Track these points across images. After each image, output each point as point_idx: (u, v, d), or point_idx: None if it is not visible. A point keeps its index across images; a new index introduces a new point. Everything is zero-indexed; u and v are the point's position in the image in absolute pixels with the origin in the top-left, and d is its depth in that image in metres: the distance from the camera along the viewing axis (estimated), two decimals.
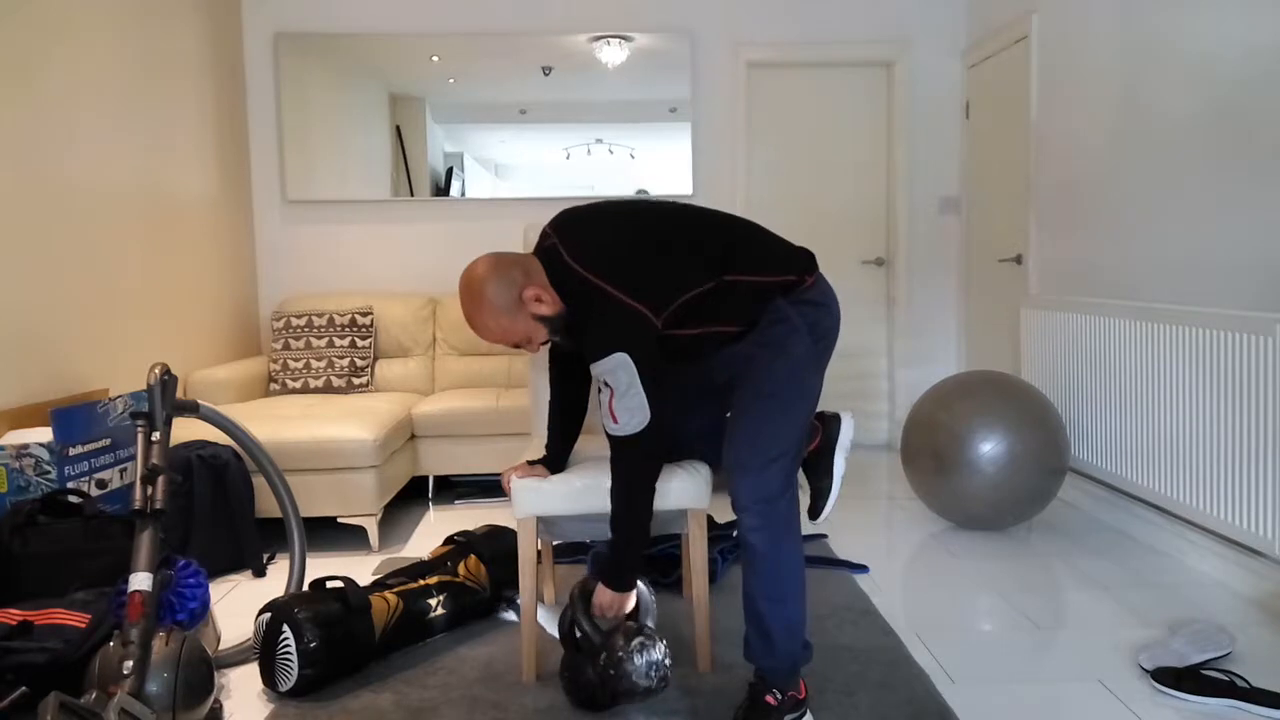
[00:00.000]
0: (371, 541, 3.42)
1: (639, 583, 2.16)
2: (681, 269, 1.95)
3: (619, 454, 1.96)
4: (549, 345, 2.25)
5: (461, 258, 4.83)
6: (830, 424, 2.23)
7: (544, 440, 2.35)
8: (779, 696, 1.96)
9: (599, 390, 1.93)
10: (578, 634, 2.09)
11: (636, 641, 1.98)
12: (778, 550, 1.94)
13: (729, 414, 2.03)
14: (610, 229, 2.01)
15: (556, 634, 2.24)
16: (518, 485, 2.21)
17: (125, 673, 1.85)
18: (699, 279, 1.95)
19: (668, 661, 2.00)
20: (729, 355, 2.04)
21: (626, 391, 1.88)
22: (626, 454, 1.95)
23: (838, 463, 2.20)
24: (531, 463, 2.28)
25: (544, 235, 2.05)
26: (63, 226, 3.15)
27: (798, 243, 2.11)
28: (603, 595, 2.06)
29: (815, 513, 2.22)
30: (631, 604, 2.12)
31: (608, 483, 2.22)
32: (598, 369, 1.90)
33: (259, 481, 3.24)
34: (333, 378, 4.31)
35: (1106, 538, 3.38)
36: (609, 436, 1.95)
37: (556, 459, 2.29)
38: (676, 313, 1.94)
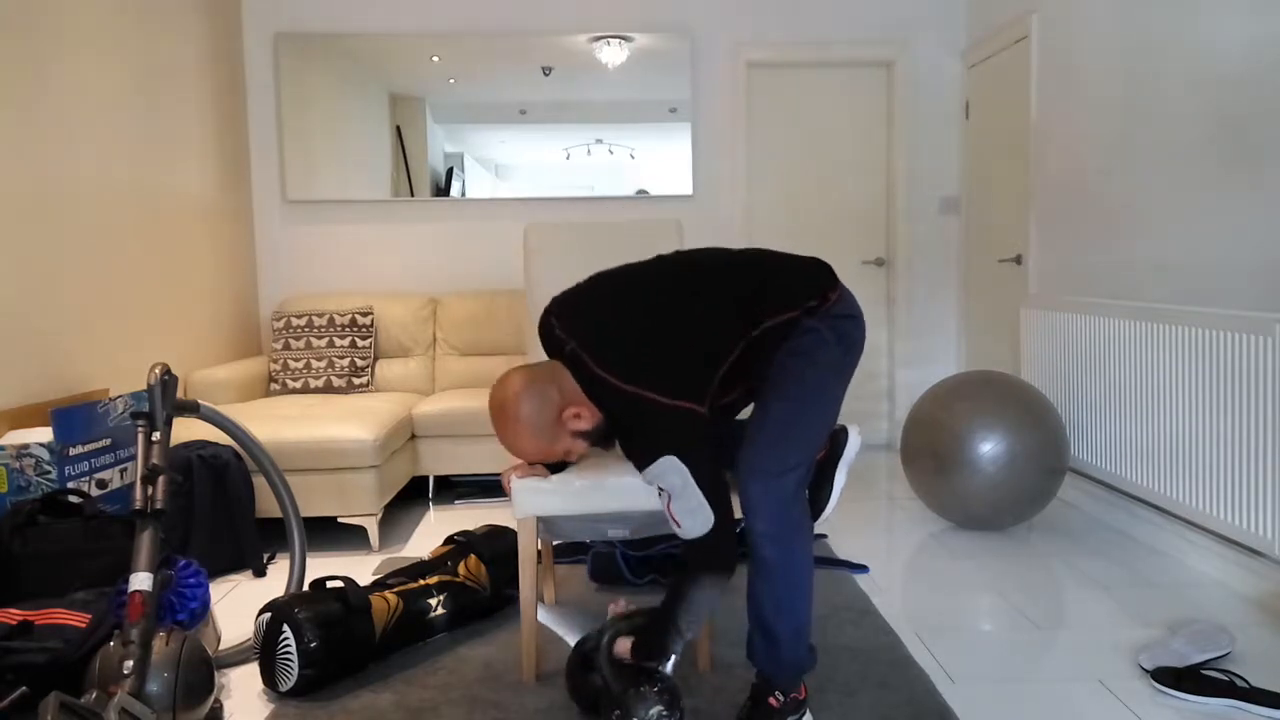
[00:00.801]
0: (371, 541, 3.42)
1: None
2: (713, 348, 1.87)
3: (691, 554, 1.87)
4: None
5: (461, 258, 4.85)
6: (838, 436, 2.21)
7: None
8: (781, 698, 1.96)
9: (657, 493, 1.85)
10: (597, 676, 2.01)
11: (656, 711, 1.88)
12: (788, 557, 1.91)
13: (751, 419, 1.98)
14: (629, 323, 1.89)
15: (566, 637, 2.20)
16: (518, 485, 2.21)
17: (125, 673, 1.85)
18: (730, 346, 1.87)
19: (675, 709, 1.92)
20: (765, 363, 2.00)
21: (683, 493, 1.79)
22: (698, 556, 1.85)
23: (839, 477, 2.17)
24: (531, 463, 2.27)
25: (551, 330, 1.94)
26: (63, 226, 3.15)
27: (798, 244, 2.09)
28: (624, 646, 1.98)
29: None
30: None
31: (608, 482, 2.23)
32: (648, 476, 1.82)
33: (259, 481, 3.24)
34: (333, 378, 4.31)
35: (1106, 538, 3.38)
36: (679, 538, 1.87)
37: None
38: (719, 385, 1.89)
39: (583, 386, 1.87)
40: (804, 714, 1.99)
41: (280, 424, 3.41)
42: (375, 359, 4.52)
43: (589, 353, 1.86)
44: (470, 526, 3.12)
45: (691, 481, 1.78)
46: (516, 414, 1.84)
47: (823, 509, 2.12)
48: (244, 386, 4.09)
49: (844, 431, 2.20)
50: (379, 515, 3.43)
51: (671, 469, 1.78)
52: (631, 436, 1.86)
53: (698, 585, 1.87)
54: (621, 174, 4.89)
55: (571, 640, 2.52)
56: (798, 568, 1.93)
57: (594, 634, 2.08)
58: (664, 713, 1.90)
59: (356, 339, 4.41)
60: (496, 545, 2.77)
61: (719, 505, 1.81)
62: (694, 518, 1.80)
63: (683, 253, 2.03)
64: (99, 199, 3.37)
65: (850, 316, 1.98)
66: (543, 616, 2.68)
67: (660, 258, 2.02)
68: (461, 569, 2.65)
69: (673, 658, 1.96)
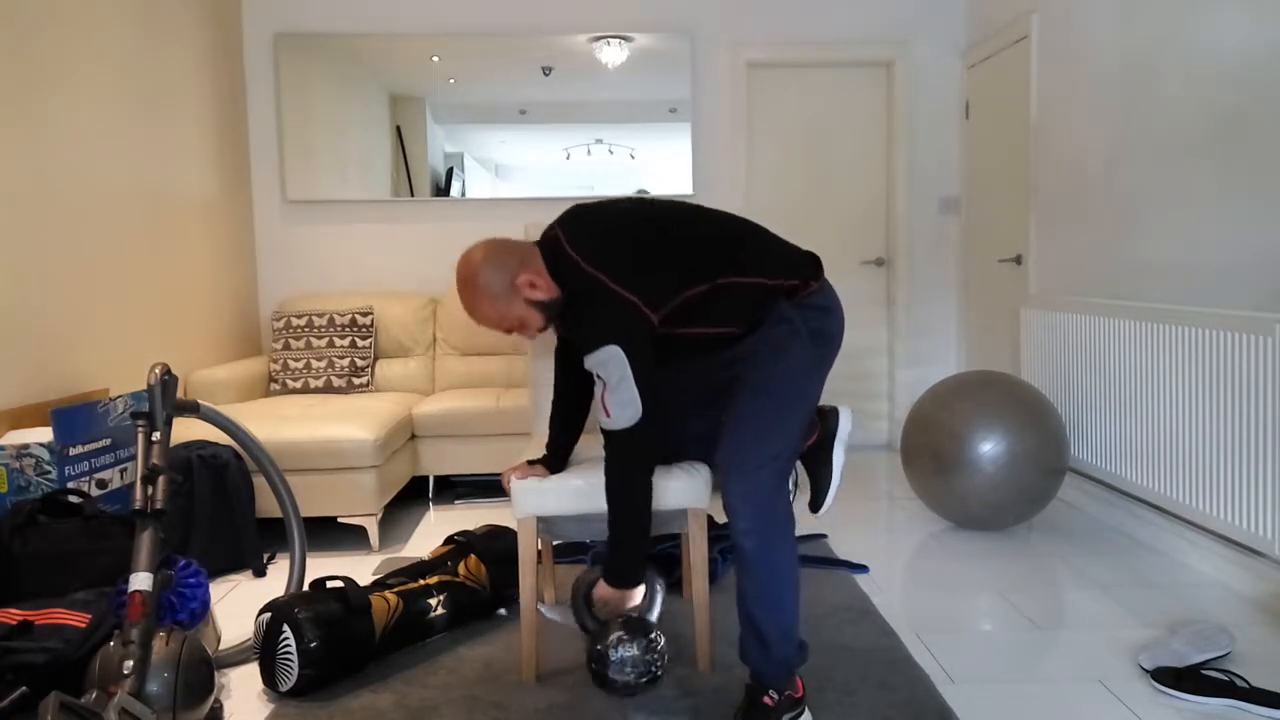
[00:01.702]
0: (371, 541, 3.42)
1: (649, 576, 2.16)
2: (679, 268, 1.95)
3: (613, 449, 1.96)
4: (558, 346, 2.25)
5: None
6: (829, 418, 2.23)
7: (544, 439, 2.35)
8: (776, 697, 1.96)
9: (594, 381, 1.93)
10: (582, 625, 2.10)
11: (615, 636, 1.98)
12: (770, 553, 1.93)
13: (728, 415, 2.02)
14: (613, 223, 2.01)
15: (566, 622, 2.24)
16: (518, 485, 2.21)
17: (125, 673, 1.85)
18: (696, 279, 1.94)
19: (651, 658, 1.99)
20: (731, 355, 2.03)
21: (618, 385, 1.87)
22: (620, 449, 1.95)
23: (837, 453, 2.20)
24: (531, 462, 2.28)
25: (549, 228, 2.06)
26: (63, 226, 3.15)
27: (798, 243, 2.11)
28: (602, 590, 2.07)
29: (816, 506, 2.22)
30: (635, 601, 2.11)
31: None
32: (590, 361, 1.90)
33: (259, 481, 3.24)
34: (333, 378, 4.31)
35: (1106, 538, 3.38)
36: (603, 432, 1.95)
37: (556, 459, 2.28)
38: (675, 313, 1.94)
39: (551, 267, 1.97)
40: (802, 711, 1.99)
41: (280, 424, 3.41)
42: (375, 359, 4.52)
43: (566, 233, 1.97)
44: (470, 526, 3.12)
45: (630, 375, 1.87)
46: (476, 275, 1.96)
47: (826, 487, 2.16)
48: (244, 386, 4.09)
49: (835, 412, 2.22)
50: (379, 515, 3.43)
51: (613, 359, 1.87)
52: (583, 319, 1.94)
53: (622, 484, 1.96)
54: (622, 174, 4.89)
55: (572, 638, 2.52)
56: (781, 562, 1.95)
57: (589, 572, 2.14)
58: (623, 637, 1.98)
59: (356, 339, 4.41)
60: (496, 545, 2.77)
61: (650, 404, 1.90)
62: (624, 410, 1.89)
63: (703, 206, 2.11)
64: (99, 199, 3.37)
65: (826, 310, 2.02)
66: (549, 610, 2.68)
67: (681, 201, 2.11)
68: (461, 569, 2.65)
69: (657, 596, 2.05)
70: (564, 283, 1.96)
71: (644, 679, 1.99)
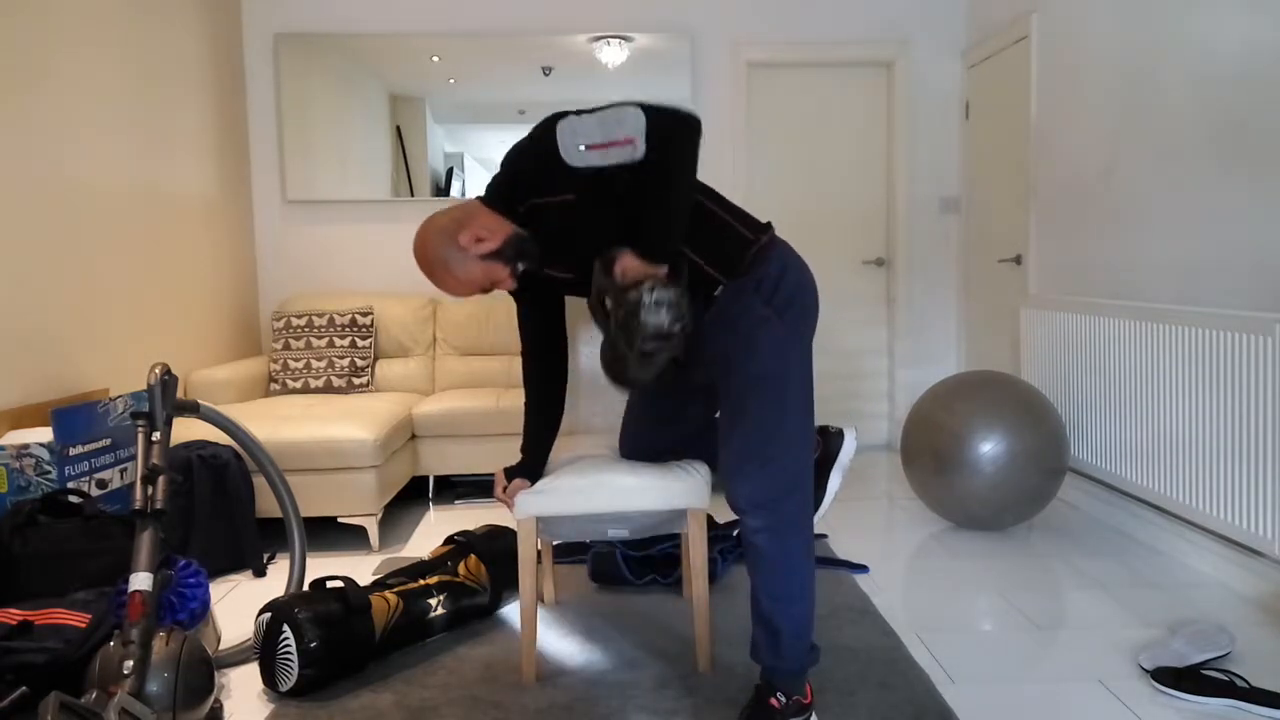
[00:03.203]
0: (371, 541, 3.42)
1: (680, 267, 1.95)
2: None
3: (653, 144, 1.81)
4: (521, 319, 2.21)
5: None
6: (832, 440, 2.20)
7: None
8: (783, 700, 1.94)
9: (607, 144, 1.82)
10: (602, 301, 1.90)
11: (649, 284, 1.80)
12: (785, 549, 1.91)
13: (719, 420, 1.99)
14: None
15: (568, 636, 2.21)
16: (515, 490, 2.21)
17: (125, 673, 1.85)
18: None
19: (684, 307, 1.82)
20: (704, 355, 1.99)
21: (634, 122, 1.79)
22: (662, 124, 1.81)
23: (833, 480, 2.17)
24: (508, 470, 2.25)
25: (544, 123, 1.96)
26: (63, 226, 3.15)
27: (798, 243, 2.10)
28: (628, 260, 1.85)
29: None
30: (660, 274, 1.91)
31: (608, 482, 2.23)
32: (604, 128, 1.81)
33: (259, 481, 3.24)
34: (333, 378, 4.31)
35: (1106, 538, 3.38)
36: (642, 152, 1.82)
37: (535, 465, 2.26)
38: None
39: (546, 180, 1.87)
40: (808, 717, 1.98)
41: (280, 424, 3.41)
42: (375, 359, 4.52)
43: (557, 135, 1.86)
44: (470, 526, 3.12)
45: (643, 115, 1.79)
46: (425, 255, 1.96)
47: (816, 511, 2.11)
48: (244, 386, 4.09)
49: (840, 435, 2.20)
50: (379, 515, 3.43)
51: (629, 114, 1.80)
52: (578, 122, 1.83)
53: (679, 160, 1.83)
54: None
55: (572, 638, 2.53)
56: (795, 558, 1.92)
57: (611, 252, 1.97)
58: (660, 282, 1.81)
59: (356, 339, 4.41)
60: (496, 545, 2.77)
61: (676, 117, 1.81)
62: (667, 112, 1.81)
63: None
64: (99, 199, 3.37)
65: (780, 275, 1.93)
66: (542, 616, 2.68)
67: None
68: (461, 569, 2.65)
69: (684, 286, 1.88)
70: (556, 183, 1.87)
71: (677, 326, 1.80)
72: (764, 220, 2.03)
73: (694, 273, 1.91)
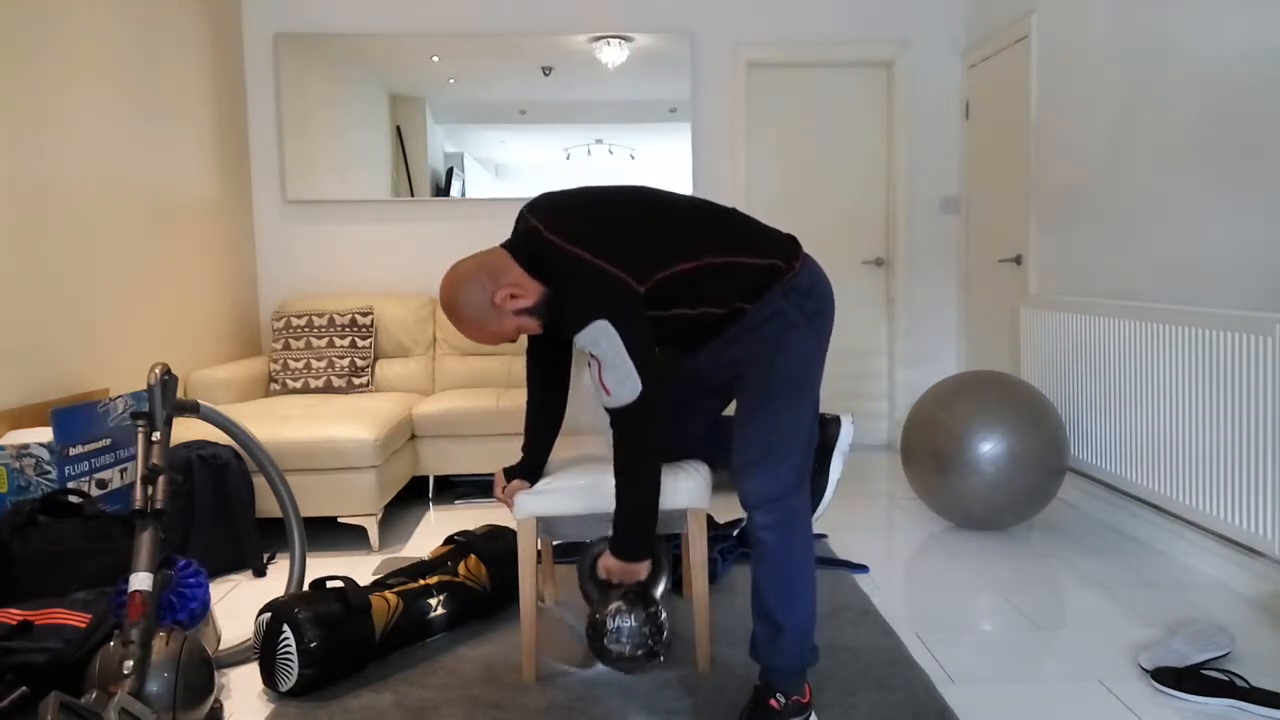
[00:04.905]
0: (371, 541, 3.42)
1: (659, 550, 2.10)
2: (660, 244, 1.92)
3: (618, 426, 1.92)
4: (529, 347, 2.24)
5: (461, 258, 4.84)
6: (830, 426, 2.22)
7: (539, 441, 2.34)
8: (783, 700, 1.95)
9: (588, 364, 1.89)
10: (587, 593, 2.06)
11: (614, 607, 1.94)
12: (789, 546, 1.93)
13: (735, 416, 2.01)
14: (590, 205, 1.98)
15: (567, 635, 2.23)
16: (514, 490, 2.22)
17: (125, 673, 1.85)
18: (683, 256, 1.92)
19: (649, 631, 1.94)
20: (726, 358, 2.02)
21: (613, 361, 1.84)
22: (625, 426, 1.91)
23: (834, 465, 2.19)
24: (508, 470, 2.27)
25: (521, 219, 2.02)
26: (63, 227, 3.15)
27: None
28: (608, 560, 2.01)
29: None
30: (640, 575, 2.04)
31: (608, 482, 2.23)
32: (580, 340, 1.86)
33: (259, 481, 3.24)
34: (333, 378, 4.31)
35: (1106, 538, 3.38)
36: (608, 411, 1.92)
37: (534, 466, 2.28)
38: (663, 291, 1.91)
39: (532, 260, 1.94)
40: (808, 716, 1.98)
41: (280, 424, 3.41)
42: (375, 359, 4.52)
43: (542, 220, 1.94)
44: (470, 526, 3.12)
45: (623, 350, 1.83)
46: (454, 307, 1.95)
47: (820, 495, 2.15)
48: (244, 386, 4.09)
49: (836, 421, 2.22)
50: (379, 515, 3.43)
51: (603, 333, 1.83)
52: (569, 298, 1.90)
53: (628, 460, 1.92)
54: (622, 174, 4.89)
55: (572, 638, 2.52)
56: (798, 556, 1.94)
57: (599, 540, 2.09)
58: (622, 608, 1.93)
59: (356, 339, 4.41)
60: (496, 545, 2.77)
61: (650, 378, 1.86)
62: (622, 385, 1.85)
63: (673, 192, 2.09)
64: (99, 199, 3.37)
65: (814, 291, 1.99)
66: (542, 616, 2.68)
67: (652, 187, 2.08)
68: (461, 569, 2.65)
69: (664, 572, 2.01)
70: (548, 269, 1.93)
71: (640, 652, 1.94)
72: (786, 235, 2.04)
73: (712, 323, 1.99)
